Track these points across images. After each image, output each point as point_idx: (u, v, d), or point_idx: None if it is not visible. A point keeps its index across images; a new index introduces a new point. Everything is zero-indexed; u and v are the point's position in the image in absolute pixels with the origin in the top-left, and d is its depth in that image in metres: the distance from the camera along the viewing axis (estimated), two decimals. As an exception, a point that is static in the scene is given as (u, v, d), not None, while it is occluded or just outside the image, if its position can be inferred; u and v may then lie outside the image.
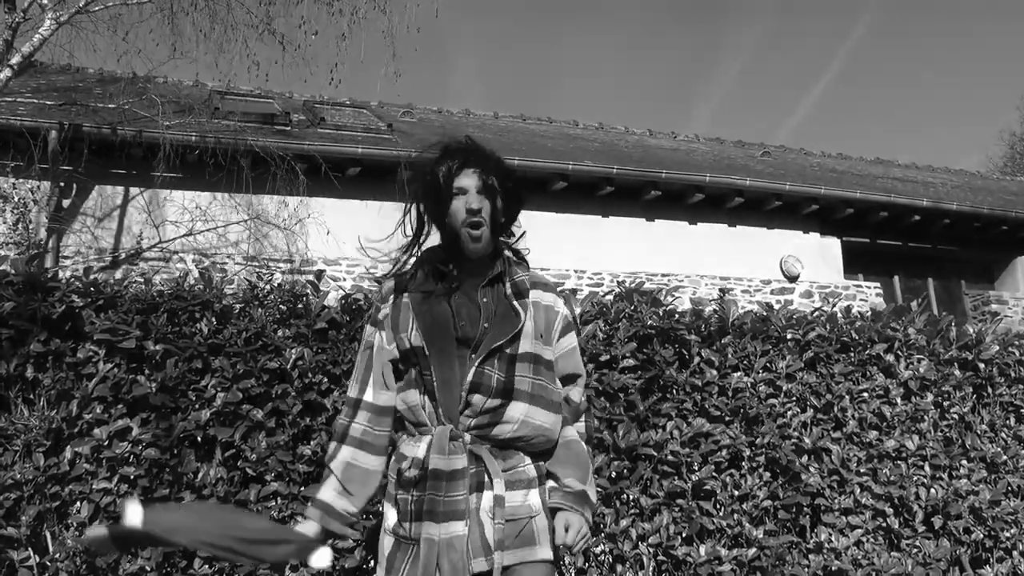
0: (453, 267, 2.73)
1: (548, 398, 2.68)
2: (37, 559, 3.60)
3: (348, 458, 2.71)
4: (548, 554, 2.61)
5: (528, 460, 2.67)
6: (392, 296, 2.80)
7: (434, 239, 2.81)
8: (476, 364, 2.58)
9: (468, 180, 2.68)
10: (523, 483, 2.63)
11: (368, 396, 2.74)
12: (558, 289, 2.91)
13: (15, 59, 9.33)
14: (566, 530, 2.60)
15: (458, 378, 2.59)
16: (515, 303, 2.70)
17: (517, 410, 2.60)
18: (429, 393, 2.63)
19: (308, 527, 2.67)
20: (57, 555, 3.59)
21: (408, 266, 2.84)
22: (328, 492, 2.70)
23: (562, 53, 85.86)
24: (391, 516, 2.66)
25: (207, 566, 3.79)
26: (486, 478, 2.57)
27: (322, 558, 2.63)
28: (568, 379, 2.82)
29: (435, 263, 2.76)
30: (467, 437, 2.59)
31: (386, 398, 2.74)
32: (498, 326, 2.65)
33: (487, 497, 2.56)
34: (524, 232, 2.91)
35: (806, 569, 4.64)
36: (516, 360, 2.64)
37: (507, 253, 2.84)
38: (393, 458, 2.72)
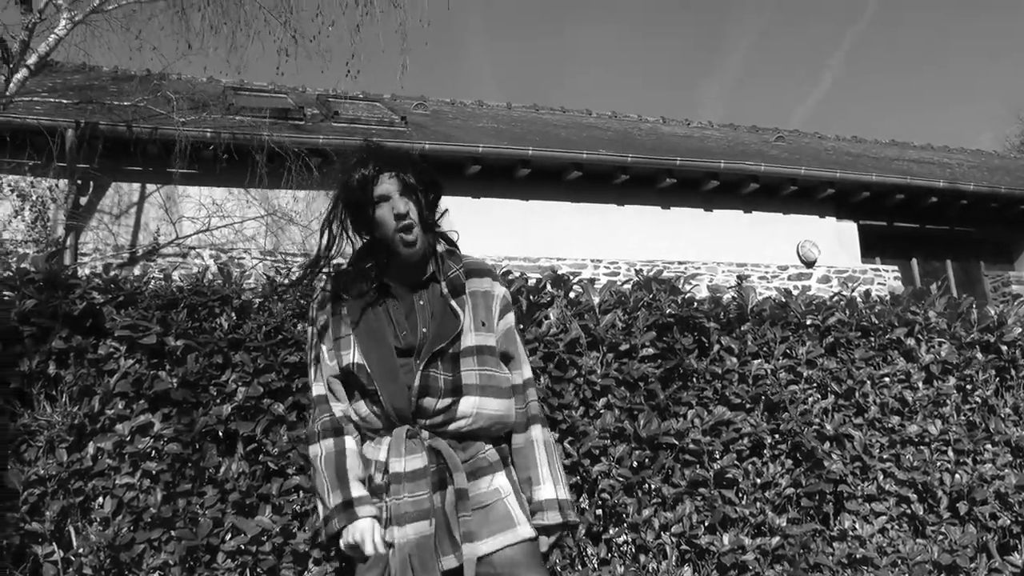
0: (385, 274, 2.73)
1: (498, 386, 2.71)
2: (61, 554, 3.62)
3: (352, 447, 2.71)
4: (529, 531, 2.65)
5: (488, 446, 2.72)
6: (329, 304, 2.80)
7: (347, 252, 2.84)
8: (420, 369, 2.60)
9: (388, 185, 2.67)
10: (485, 469, 2.67)
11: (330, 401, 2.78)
12: (496, 270, 2.95)
13: (32, 59, 9.38)
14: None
15: (404, 387, 2.61)
16: (452, 303, 2.72)
17: (468, 404, 2.63)
18: (378, 404, 2.65)
19: (367, 526, 2.58)
20: (81, 550, 3.60)
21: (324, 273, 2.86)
22: (359, 488, 2.65)
23: (574, 43, 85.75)
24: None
25: (230, 560, 3.80)
26: (447, 474, 2.60)
27: None
28: (506, 359, 2.84)
29: (368, 269, 2.75)
30: (424, 434, 2.62)
31: (340, 408, 2.75)
32: (438, 329, 2.68)
33: (450, 492, 2.59)
34: (446, 210, 2.89)
35: (830, 557, 4.61)
36: (460, 356, 2.67)
37: (441, 246, 2.84)
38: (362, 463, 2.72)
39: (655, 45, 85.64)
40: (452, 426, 2.63)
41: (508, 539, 2.59)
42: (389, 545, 2.53)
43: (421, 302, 2.73)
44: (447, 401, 2.61)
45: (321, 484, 2.66)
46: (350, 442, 2.70)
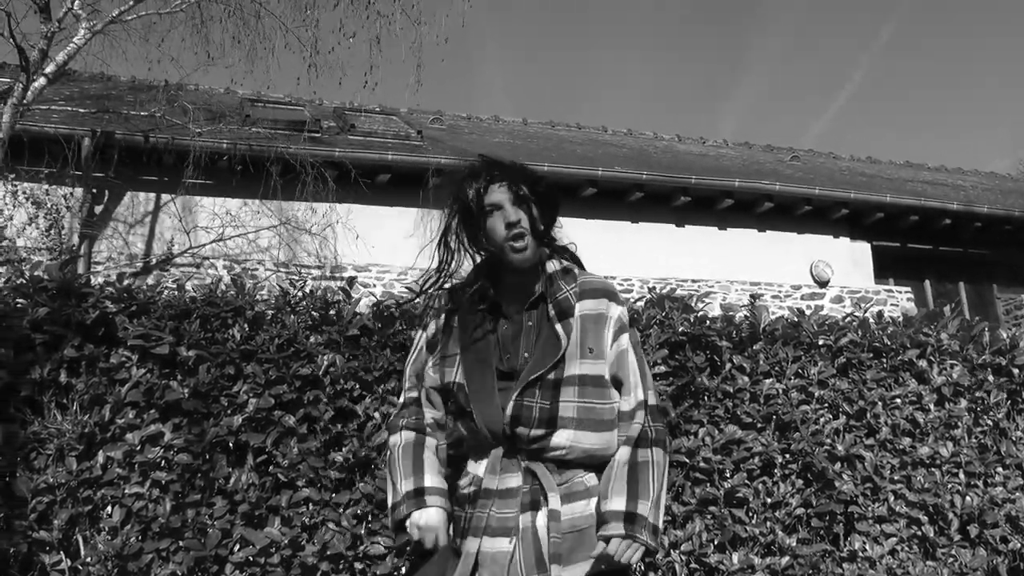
0: (497, 289, 2.70)
1: (597, 419, 2.59)
2: (69, 563, 3.62)
3: (432, 445, 2.73)
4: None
5: (586, 472, 2.61)
6: (444, 315, 2.77)
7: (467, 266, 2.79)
8: (515, 397, 2.53)
9: (499, 195, 2.63)
10: (581, 494, 2.57)
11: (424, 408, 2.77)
12: (614, 289, 2.79)
13: (50, 67, 9.42)
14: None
15: (499, 410, 2.55)
16: (558, 326, 2.62)
17: (563, 437, 2.54)
18: (475, 425, 2.61)
19: (434, 516, 2.61)
20: (89, 559, 3.60)
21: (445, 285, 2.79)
22: (434, 479, 2.68)
23: (591, 61, 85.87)
24: (449, 531, 2.65)
25: (238, 571, 3.79)
26: (541, 496, 2.53)
27: None
28: (618, 384, 2.69)
29: (483, 284, 2.71)
30: (521, 456, 2.56)
31: (432, 414, 2.75)
32: (539, 355, 2.59)
33: (543, 514, 2.51)
34: (562, 226, 2.82)
35: (840, 578, 4.59)
36: (561, 385, 2.57)
37: (553, 264, 2.75)
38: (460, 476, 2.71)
39: (672, 70, 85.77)
40: (547, 455, 2.56)
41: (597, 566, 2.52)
42: (457, 553, 2.52)
43: (530, 323, 2.67)
44: (540, 432, 2.53)
45: (395, 470, 2.67)
46: (431, 441, 2.73)
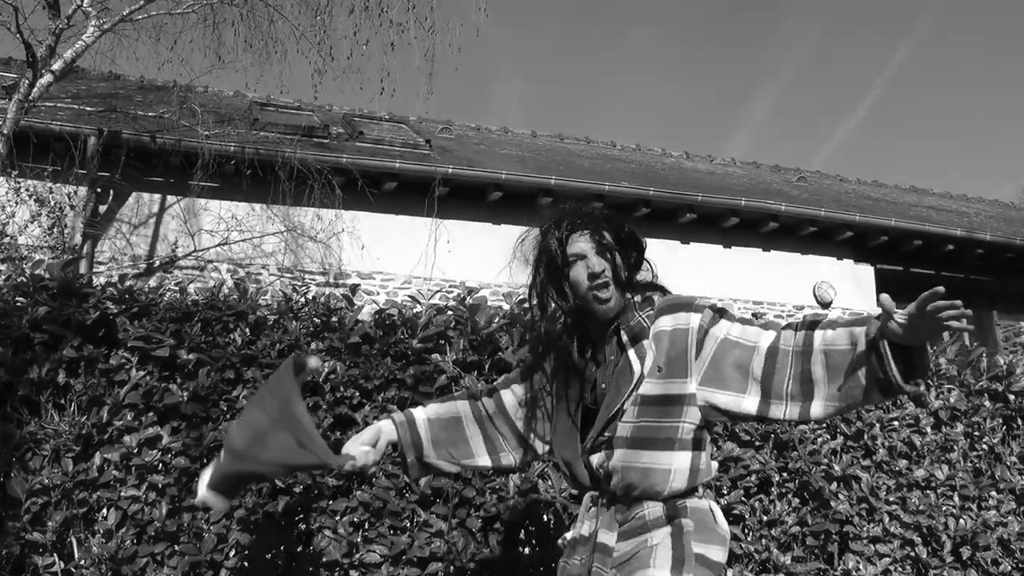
0: (585, 338, 2.68)
1: (653, 436, 2.46)
2: (62, 565, 3.60)
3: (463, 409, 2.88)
4: (665, 573, 2.38)
5: (652, 505, 2.48)
6: (551, 361, 2.78)
7: None
8: (595, 436, 2.53)
9: (582, 244, 2.57)
10: (640, 528, 2.47)
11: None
12: (696, 300, 2.63)
13: (57, 64, 9.40)
14: None
15: (576, 451, 2.60)
16: (630, 351, 2.52)
17: (616, 458, 2.48)
18: (564, 471, 2.70)
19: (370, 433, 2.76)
20: (83, 561, 3.58)
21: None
22: (422, 415, 2.84)
23: (602, 76, 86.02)
24: None
25: (233, 577, 3.78)
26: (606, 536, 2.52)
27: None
28: (723, 384, 2.47)
29: (569, 334, 2.71)
30: (602, 500, 2.57)
31: (491, 400, 2.89)
32: (614, 388, 2.52)
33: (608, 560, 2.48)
34: (650, 265, 2.76)
35: (834, 599, 4.59)
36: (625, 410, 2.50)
37: (635, 298, 2.63)
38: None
39: (685, 82, 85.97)
40: (610, 485, 2.50)
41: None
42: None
43: (611, 357, 2.60)
44: (602, 456, 2.51)
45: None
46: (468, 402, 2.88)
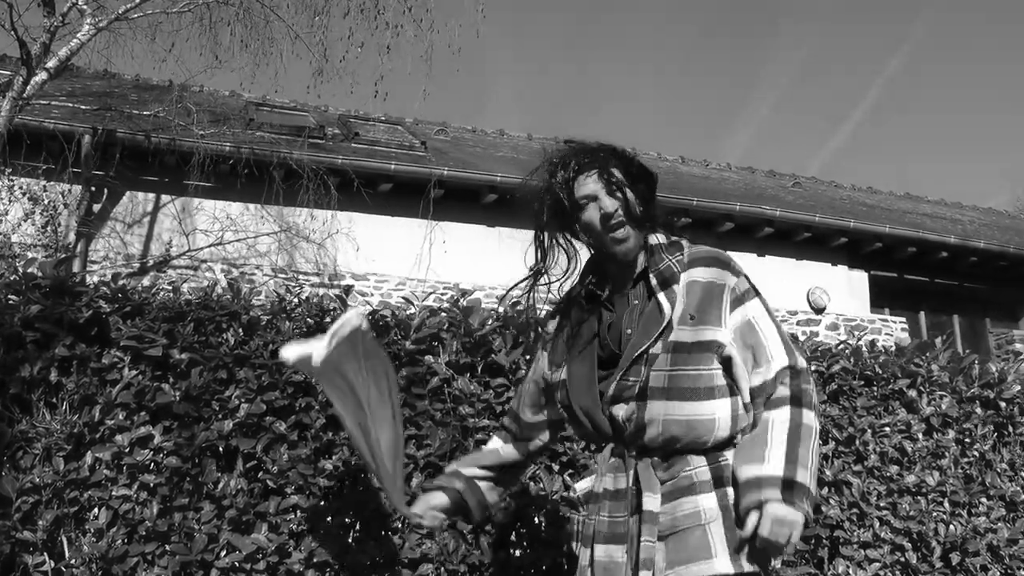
0: (600, 280, 2.58)
1: (692, 387, 2.34)
2: (52, 564, 3.58)
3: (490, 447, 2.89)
4: (727, 566, 2.26)
5: (697, 461, 2.37)
6: (559, 316, 2.70)
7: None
8: (618, 377, 2.38)
9: (591, 185, 2.47)
10: (686, 489, 2.34)
11: (521, 413, 2.81)
12: (732, 260, 2.58)
13: (52, 62, 9.39)
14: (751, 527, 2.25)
15: (596, 399, 2.43)
16: (660, 295, 2.43)
17: (653, 410, 2.34)
18: (577, 421, 2.55)
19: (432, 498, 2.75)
20: (73, 561, 3.57)
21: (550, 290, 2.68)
22: (463, 466, 2.82)
23: (601, 79, 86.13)
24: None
25: (223, 578, 3.77)
26: (640, 494, 2.34)
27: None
28: (754, 358, 2.42)
29: (588, 276, 2.61)
30: (631, 452, 2.41)
31: (532, 415, 2.77)
32: (641, 329, 2.41)
33: (646, 517, 2.31)
34: (658, 200, 2.64)
35: (824, 604, 4.59)
36: (656, 357, 2.36)
37: (657, 238, 2.55)
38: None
39: (683, 86, 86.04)
40: (645, 438, 2.36)
41: (699, 572, 2.26)
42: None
43: (635, 301, 2.50)
44: (631, 408, 2.36)
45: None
46: (492, 443, 2.89)
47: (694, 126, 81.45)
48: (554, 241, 2.59)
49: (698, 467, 2.36)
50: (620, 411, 2.37)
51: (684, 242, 2.58)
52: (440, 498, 2.74)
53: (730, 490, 2.35)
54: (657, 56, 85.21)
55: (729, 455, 2.40)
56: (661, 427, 2.34)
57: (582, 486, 2.58)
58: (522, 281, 2.67)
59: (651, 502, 2.30)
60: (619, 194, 2.45)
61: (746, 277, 2.54)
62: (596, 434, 2.49)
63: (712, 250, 2.57)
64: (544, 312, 2.74)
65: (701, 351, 2.37)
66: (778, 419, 2.34)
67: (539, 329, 2.78)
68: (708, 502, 2.32)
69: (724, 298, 2.45)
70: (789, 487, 2.22)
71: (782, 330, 2.48)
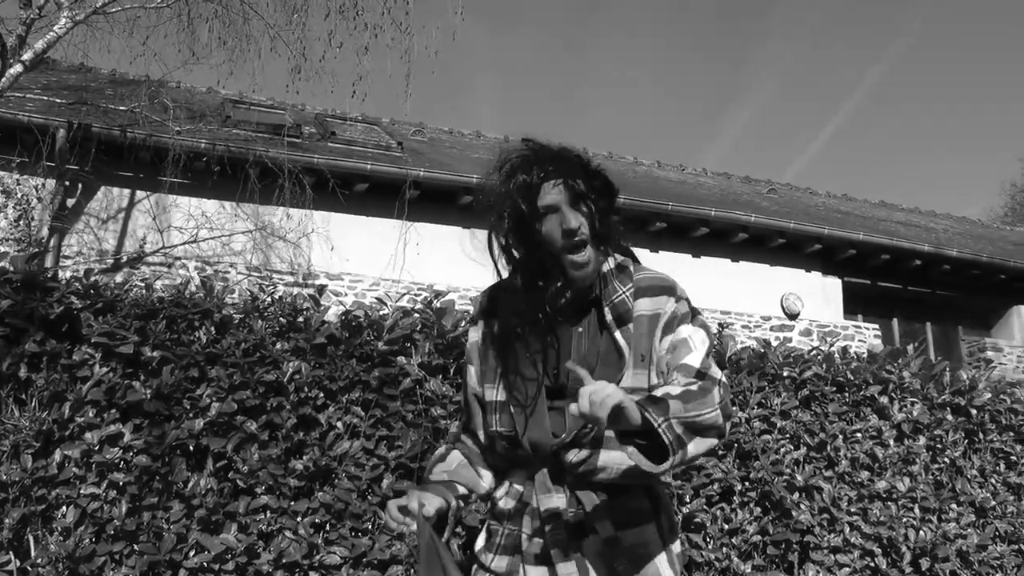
0: (551, 300, 2.33)
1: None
2: (18, 563, 3.56)
3: (455, 456, 2.51)
4: None
5: (638, 492, 2.31)
6: (482, 321, 2.48)
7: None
8: (578, 427, 2.23)
9: (555, 196, 2.28)
10: (632, 520, 2.28)
11: (476, 430, 2.51)
12: (676, 286, 2.44)
13: (28, 55, 9.32)
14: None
15: (549, 433, 2.27)
16: (617, 334, 2.29)
17: (610, 459, 2.24)
18: (518, 446, 2.32)
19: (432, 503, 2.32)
20: (39, 560, 3.55)
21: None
22: (440, 475, 2.46)
23: (580, 82, 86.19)
24: (479, 542, 2.44)
25: (191, 577, 3.76)
26: (588, 524, 2.25)
27: None
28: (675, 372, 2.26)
29: (530, 292, 2.35)
30: (568, 478, 2.28)
31: (472, 424, 2.52)
32: (600, 369, 2.26)
33: (592, 541, 2.24)
34: (621, 217, 2.49)
35: (794, 609, 4.62)
36: None
37: (608, 263, 2.40)
38: (497, 485, 2.46)
39: (662, 105, 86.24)
40: (594, 479, 2.26)
41: None
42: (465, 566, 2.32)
43: (579, 329, 2.34)
44: (585, 454, 2.24)
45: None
46: (456, 453, 2.50)
47: (672, 133, 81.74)
48: (507, 250, 2.41)
49: (641, 499, 2.31)
50: (572, 455, 2.26)
51: (631, 266, 2.46)
52: (437, 503, 2.39)
53: (664, 516, 2.35)
54: (637, 62, 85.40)
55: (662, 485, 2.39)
56: (614, 473, 2.26)
57: (501, 493, 2.40)
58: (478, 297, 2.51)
59: (606, 528, 2.24)
60: (584, 208, 2.30)
61: (686, 301, 2.41)
62: (536, 465, 2.32)
63: (657, 277, 2.45)
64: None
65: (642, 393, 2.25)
66: (688, 385, 2.19)
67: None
68: (650, 534, 2.29)
69: (658, 327, 2.33)
70: (653, 400, 2.06)
71: (709, 353, 2.33)
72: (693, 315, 2.39)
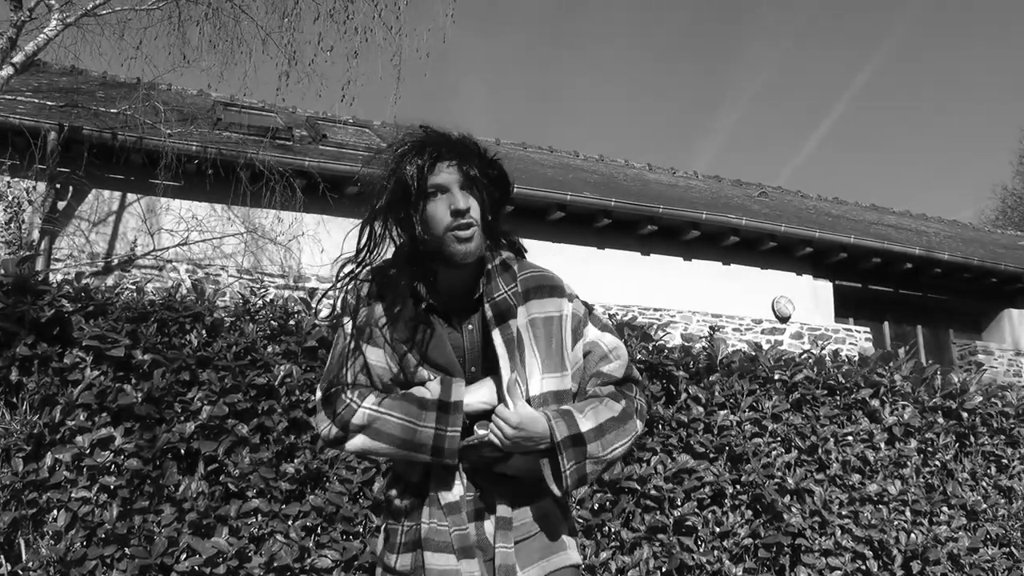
0: (429, 284, 2.30)
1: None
2: (8, 567, 3.55)
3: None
4: (577, 559, 2.31)
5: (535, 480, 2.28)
6: (373, 303, 2.34)
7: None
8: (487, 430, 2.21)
9: (447, 176, 2.22)
10: (531, 496, 2.29)
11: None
12: (565, 285, 2.42)
13: (18, 57, 9.32)
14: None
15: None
16: (495, 332, 2.25)
17: (516, 465, 2.24)
18: None
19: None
20: (30, 564, 3.54)
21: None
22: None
23: (571, 87, 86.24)
24: (379, 545, 2.39)
25: (182, 580, 3.75)
26: (485, 505, 2.24)
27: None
28: (599, 380, 2.35)
29: (411, 280, 2.30)
30: (464, 464, 2.24)
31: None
32: (484, 369, 2.29)
33: (489, 524, 2.23)
34: (511, 210, 2.45)
35: (785, 612, 4.63)
36: (531, 405, 2.22)
37: (493, 258, 2.34)
38: (385, 482, 2.43)
39: (652, 108, 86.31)
40: (497, 468, 2.25)
41: (555, 564, 2.25)
42: (401, 573, 2.24)
43: (470, 326, 2.31)
44: (492, 460, 2.23)
45: (401, 415, 2.22)
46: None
47: (662, 136, 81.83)
48: (387, 231, 2.33)
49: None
50: (474, 454, 2.25)
51: (514, 264, 2.39)
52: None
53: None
54: (627, 65, 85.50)
55: None
56: (521, 473, 2.27)
57: (397, 492, 2.34)
58: (348, 268, 2.38)
59: (505, 509, 2.24)
60: (475, 191, 2.25)
61: (578, 298, 2.42)
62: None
63: (542, 276, 2.41)
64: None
65: (564, 399, 2.30)
66: (606, 401, 2.30)
67: (353, 316, 2.37)
68: (548, 506, 2.31)
69: (565, 333, 2.34)
70: (575, 440, 2.18)
71: (620, 347, 2.41)
72: (589, 311, 2.44)
